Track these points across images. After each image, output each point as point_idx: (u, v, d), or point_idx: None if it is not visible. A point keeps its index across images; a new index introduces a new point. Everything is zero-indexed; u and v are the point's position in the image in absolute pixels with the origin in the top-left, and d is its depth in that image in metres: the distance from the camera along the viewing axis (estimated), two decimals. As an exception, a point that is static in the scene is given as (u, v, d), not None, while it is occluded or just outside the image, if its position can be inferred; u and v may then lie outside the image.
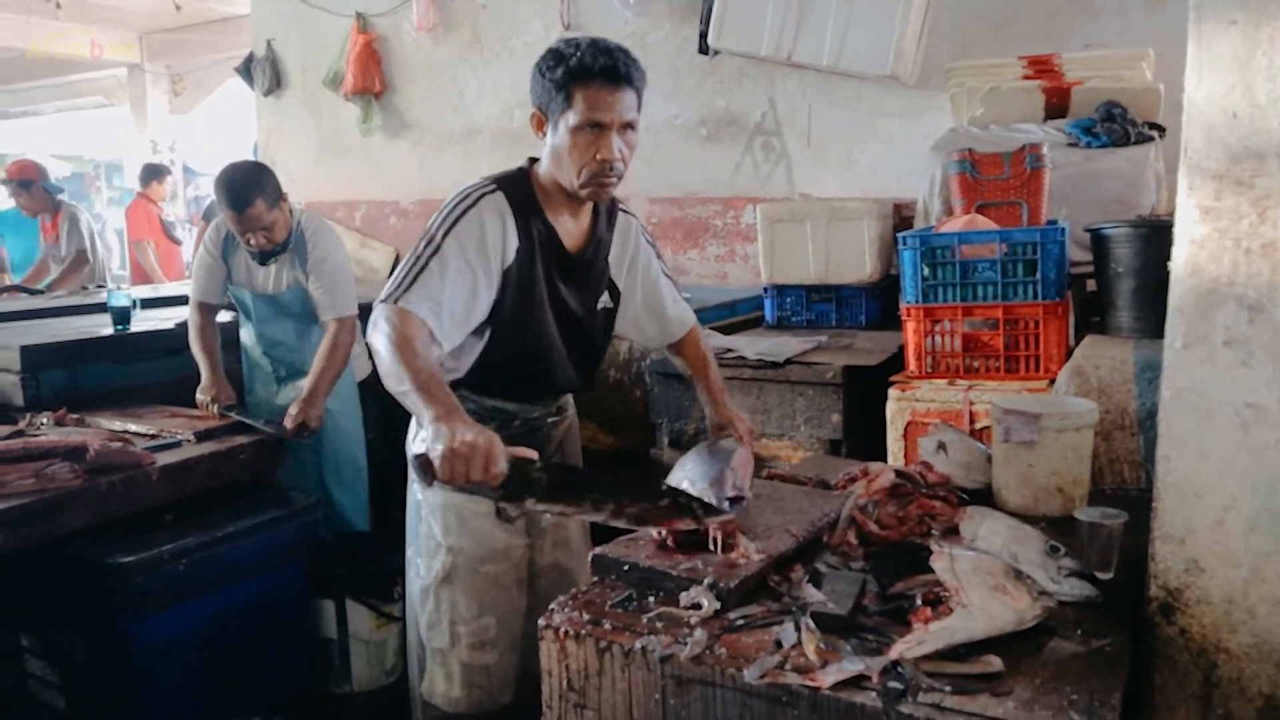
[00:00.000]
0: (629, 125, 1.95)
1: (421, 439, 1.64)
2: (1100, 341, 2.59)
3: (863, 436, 3.13)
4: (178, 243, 6.97)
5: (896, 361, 3.20)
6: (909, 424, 2.91)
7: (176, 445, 2.76)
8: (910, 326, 2.96)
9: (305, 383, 3.20)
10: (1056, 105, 3.53)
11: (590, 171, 1.94)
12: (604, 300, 2.22)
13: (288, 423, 3.05)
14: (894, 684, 1.29)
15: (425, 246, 1.92)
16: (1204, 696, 1.41)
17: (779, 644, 1.41)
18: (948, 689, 1.28)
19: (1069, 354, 2.80)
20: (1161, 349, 2.36)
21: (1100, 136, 3.31)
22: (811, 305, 3.90)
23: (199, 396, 3.15)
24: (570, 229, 2.10)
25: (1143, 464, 2.23)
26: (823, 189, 4.47)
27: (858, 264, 3.76)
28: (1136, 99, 3.38)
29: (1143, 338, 2.60)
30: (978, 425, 2.81)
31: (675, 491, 1.69)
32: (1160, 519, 1.42)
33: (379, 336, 1.80)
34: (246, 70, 5.38)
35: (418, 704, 2.25)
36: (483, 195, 1.99)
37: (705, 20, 4.42)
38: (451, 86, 5.09)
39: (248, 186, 3.11)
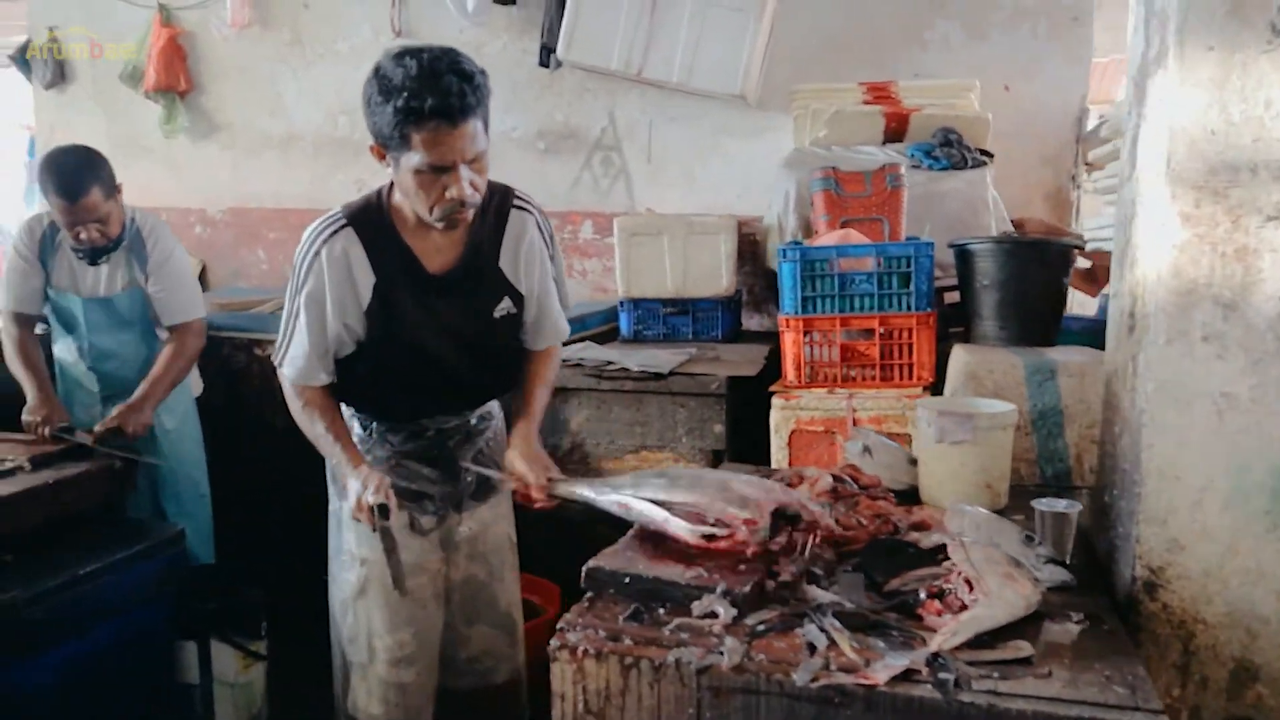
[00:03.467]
0: (476, 157, 1.85)
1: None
2: (972, 349, 2.77)
3: (741, 446, 3.19)
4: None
5: (768, 372, 3.29)
6: (793, 432, 2.99)
7: (10, 474, 2.39)
8: (789, 337, 3.05)
9: (138, 390, 2.89)
10: (895, 130, 3.76)
11: (442, 209, 1.86)
12: (504, 307, 2.11)
13: (98, 426, 2.77)
14: (944, 675, 1.31)
15: (290, 304, 2.01)
16: (1183, 665, 1.54)
17: (812, 646, 1.40)
18: (995, 675, 1.32)
19: (937, 362, 2.99)
20: (1040, 354, 2.57)
21: (940, 160, 3.56)
22: (666, 319, 3.93)
23: (26, 418, 2.75)
24: (441, 245, 2.01)
25: (1037, 461, 2.41)
26: (663, 205, 4.53)
27: (714, 278, 3.83)
28: (968, 126, 3.66)
29: (1007, 345, 2.81)
30: (860, 431, 2.93)
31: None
32: (1144, 503, 1.53)
33: (290, 406, 2.10)
34: (23, 59, 4.79)
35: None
36: (330, 239, 1.94)
37: (545, 32, 4.39)
38: (269, 88, 4.75)
39: (81, 172, 2.79)
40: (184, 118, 4.74)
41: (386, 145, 1.83)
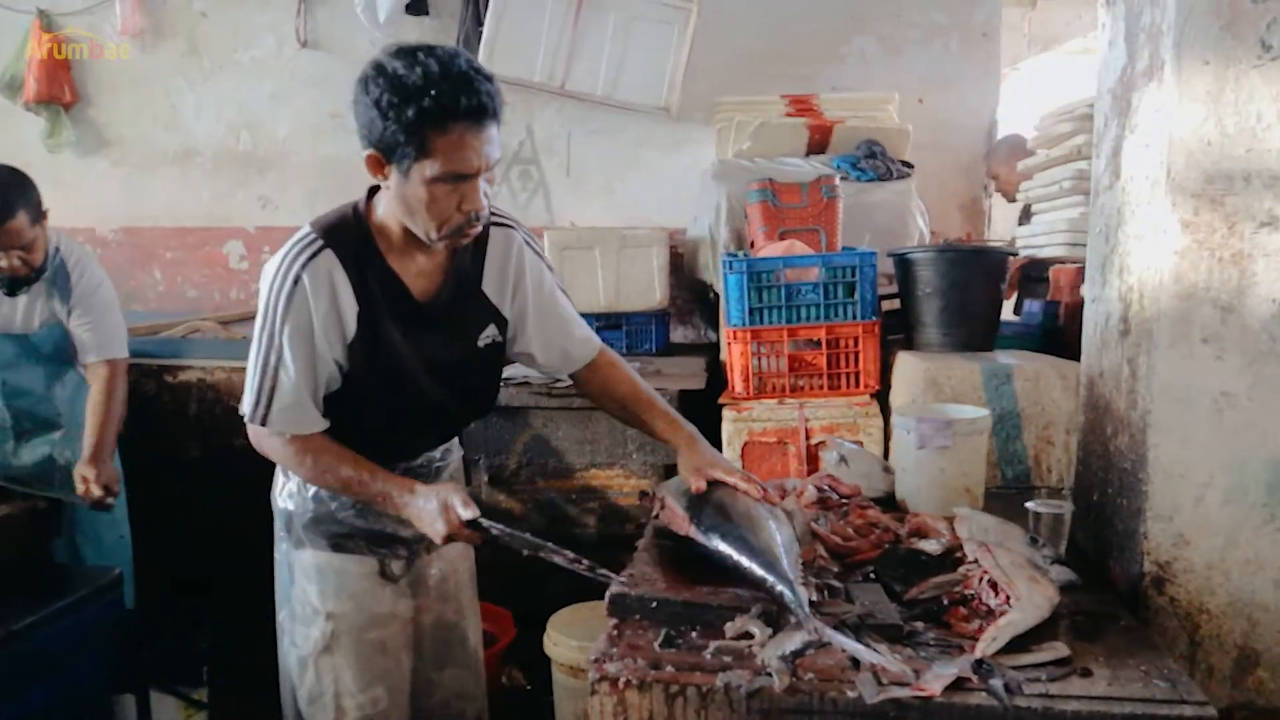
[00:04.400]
0: (492, 166, 1.69)
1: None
2: (925, 356, 2.83)
3: (691, 459, 3.17)
4: None
5: (710, 385, 3.30)
6: (746, 444, 3.00)
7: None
8: (736, 349, 3.06)
9: (84, 440, 2.73)
10: (818, 142, 3.82)
11: (453, 226, 1.69)
12: (488, 335, 1.93)
13: (84, 490, 2.60)
14: (994, 681, 1.32)
15: (267, 345, 1.75)
16: (1190, 656, 1.59)
17: (856, 661, 1.39)
18: (1043, 678, 1.34)
19: (883, 370, 3.05)
20: (991, 359, 2.65)
21: (866, 171, 3.64)
22: (599, 333, 3.86)
23: None
24: (424, 268, 1.83)
25: (998, 464, 2.47)
26: (582, 218, 4.50)
27: (647, 291, 3.81)
28: (889, 138, 3.75)
29: (951, 351, 2.89)
30: (812, 441, 2.97)
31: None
32: (1151, 500, 1.58)
33: (279, 460, 1.88)
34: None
35: None
36: (309, 262, 1.72)
37: (460, 43, 4.30)
38: (164, 101, 4.49)
39: (7, 194, 2.57)
40: (69, 131, 4.45)
41: (392, 154, 1.63)
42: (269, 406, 1.76)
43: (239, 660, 2.59)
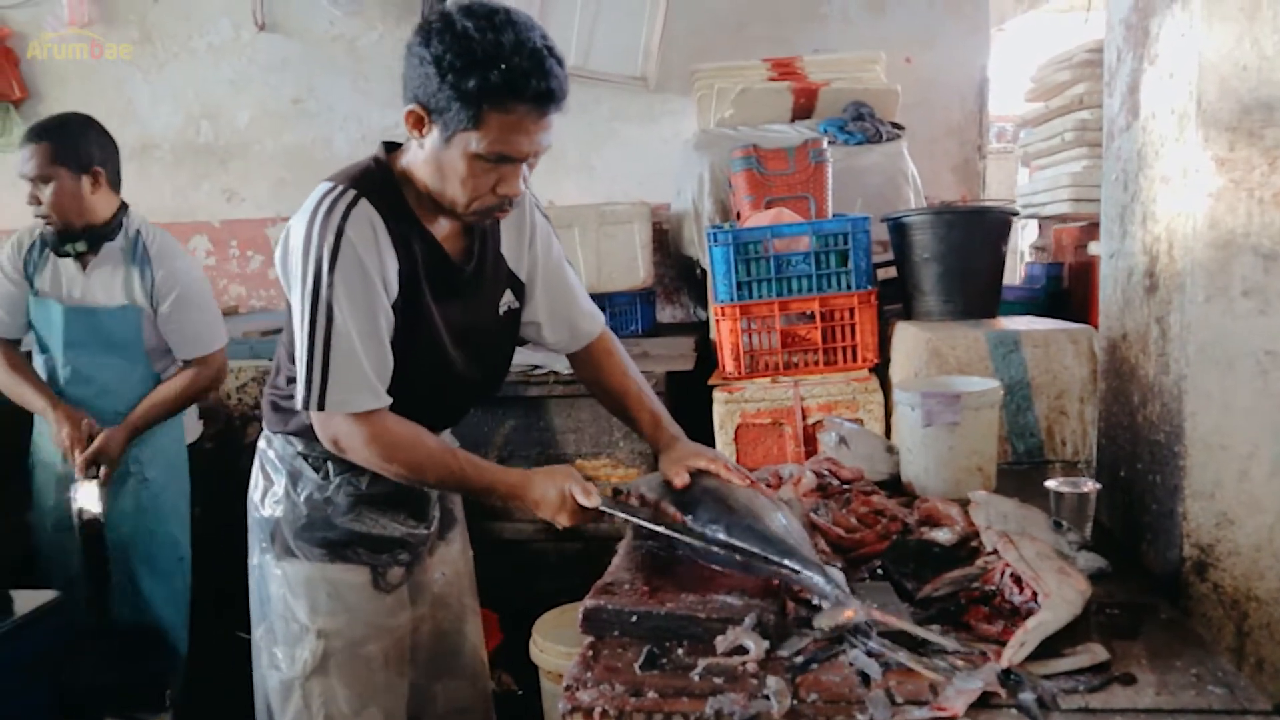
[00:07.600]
0: (541, 152, 1.57)
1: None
2: (926, 326, 2.65)
3: (682, 445, 2.99)
4: None
5: (699, 365, 3.12)
6: (739, 426, 2.83)
7: None
8: (725, 326, 2.88)
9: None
10: (804, 105, 3.64)
11: (484, 205, 1.56)
12: (507, 300, 1.79)
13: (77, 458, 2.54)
14: (1024, 695, 1.15)
15: (312, 315, 1.52)
16: (1237, 648, 1.43)
17: (865, 676, 1.22)
18: (1080, 688, 1.17)
19: (881, 342, 2.87)
20: (997, 326, 2.47)
21: (854, 134, 3.46)
22: (582, 316, 3.70)
23: (62, 443, 2.54)
24: (450, 230, 1.68)
25: (1008, 437, 2.30)
26: (561, 197, 4.29)
27: (630, 269, 3.63)
28: (878, 99, 3.56)
29: (952, 319, 2.71)
30: (809, 420, 2.79)
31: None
32: (1190, 475, 1.41)
33: (362, 457, 1.60)
34: None
35: None
36: (349, 210, 1.52)
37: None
38: (117, 93, 4.29)
39: (45, 126, 2.60)
40: (20, 129, 4.24)
41: (439, 116, 1.48)
42: (324, 386, 1.54)
43: (210, 681, 2.42)
